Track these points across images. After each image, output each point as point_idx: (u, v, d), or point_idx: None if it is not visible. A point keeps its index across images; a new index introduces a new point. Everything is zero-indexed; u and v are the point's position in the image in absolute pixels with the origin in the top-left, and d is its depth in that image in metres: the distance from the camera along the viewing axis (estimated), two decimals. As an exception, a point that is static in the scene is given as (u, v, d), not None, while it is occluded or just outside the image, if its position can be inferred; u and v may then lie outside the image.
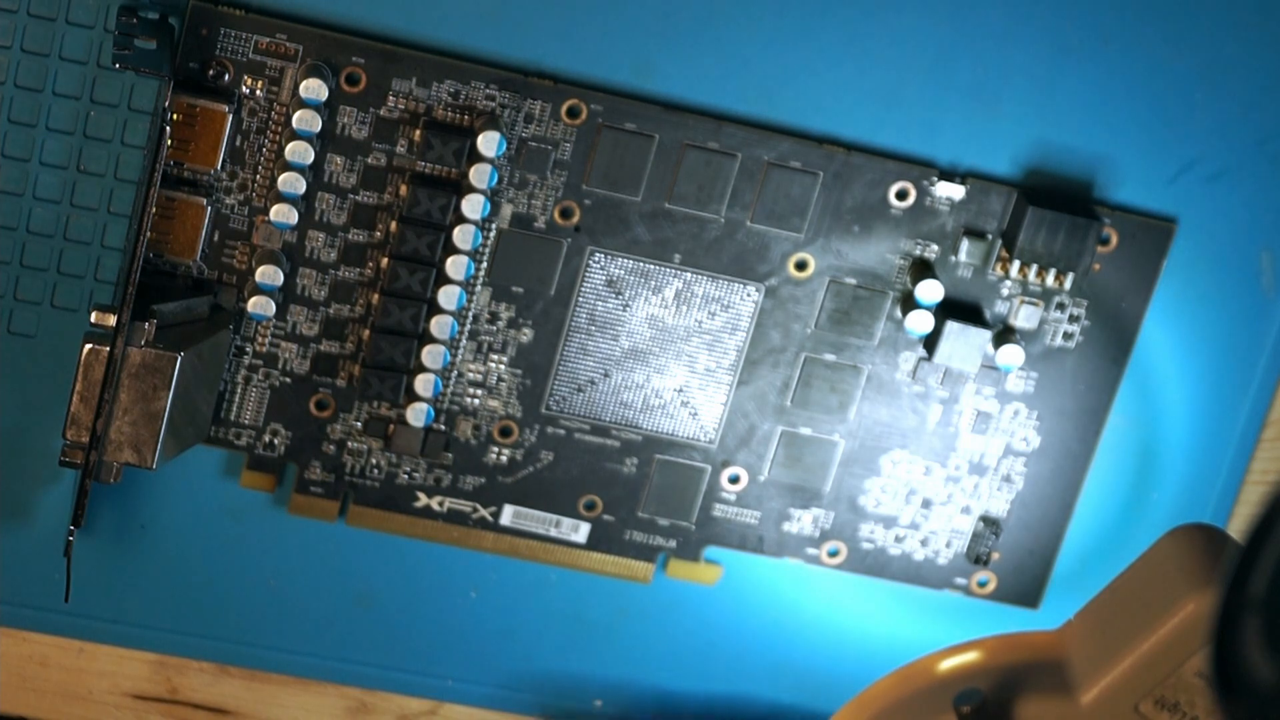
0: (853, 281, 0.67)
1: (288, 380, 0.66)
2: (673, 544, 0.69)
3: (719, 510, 0.69)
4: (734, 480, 0.69)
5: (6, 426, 0.66)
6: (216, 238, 0.64)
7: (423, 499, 0.68)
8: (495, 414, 0.67)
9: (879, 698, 0.56)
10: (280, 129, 0.63)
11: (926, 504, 0.69)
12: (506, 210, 0.65)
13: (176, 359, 0.61)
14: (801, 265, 0.66)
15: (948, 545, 0.70)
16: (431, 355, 0.65)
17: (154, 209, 0.61)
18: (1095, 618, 0.56)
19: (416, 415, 0.66)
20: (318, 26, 0.63)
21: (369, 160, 0.64)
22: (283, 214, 0.64)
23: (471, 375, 0.66)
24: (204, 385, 0.64)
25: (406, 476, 0.67)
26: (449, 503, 0.68)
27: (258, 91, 0.63)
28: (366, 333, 0.65)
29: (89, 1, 0.62)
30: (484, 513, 0.68)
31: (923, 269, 0.66)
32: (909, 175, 0.66)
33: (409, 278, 0.64)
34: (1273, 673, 0.42)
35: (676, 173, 0.65)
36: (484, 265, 0.65)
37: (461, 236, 0.64)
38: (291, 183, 0.63)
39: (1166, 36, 0.66)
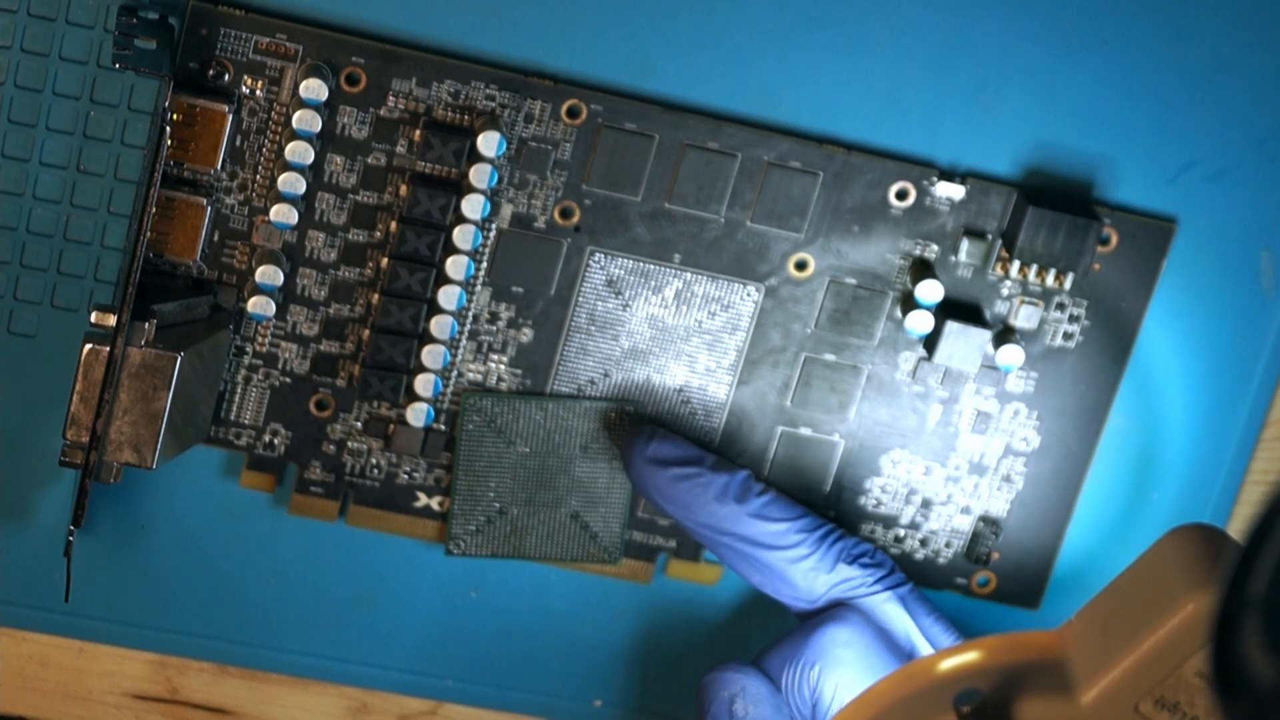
0: (853, 281, 0.67)
1: (288, 380, 0.66)
2: (673, 544, 0.69)
3: (719, 510, 0.69)
4: (734, 480, 0.69)
5: (6, 426, 0.66)
6: (216, 238, 0.64)
7: (423, 499, 0.68)
8: (495, 414, 0.67)
9: (879, 698, 0.56)
10: (280, 129, 0.63)
11: (926, 504, 0.69)
12: (506, 210, 0.65)
13: (176, 359, 0.61)
14: (801, 265, 0.66)
15: (948, 545, 0.70)
16: (431, 355, 0.65)
17: (154, 209, 0.61)
18: (1095, 618, 0.55)
19: (416, 415, 0.66)
20: (318, 26, 0.63)
21: (369, 160, 0.64)
22: (283, 214, 0.64)
23: (471, 375, 0.66)
24: (204, 385, 0.64)
25: (406, 476, 0.67)
26: (449, 503, 0.68)
27: (258, 91, 0.63)
28: (366, 333, 0.65)
29: (89, 1, 0.62)
30: (484, 513, 0.68)
31: (923, 269, 0.66)
32: (909, 175, 0.66)
33: (409, 278, 0.64)
34: (1273, 673, 0.42)
35: (676, 173, 0.65)
36: (484, 265, 0.65)
37: (461, 236, 0.64)
38: (291, 183, 0.63)
39: (1166, 36, 0.66)
